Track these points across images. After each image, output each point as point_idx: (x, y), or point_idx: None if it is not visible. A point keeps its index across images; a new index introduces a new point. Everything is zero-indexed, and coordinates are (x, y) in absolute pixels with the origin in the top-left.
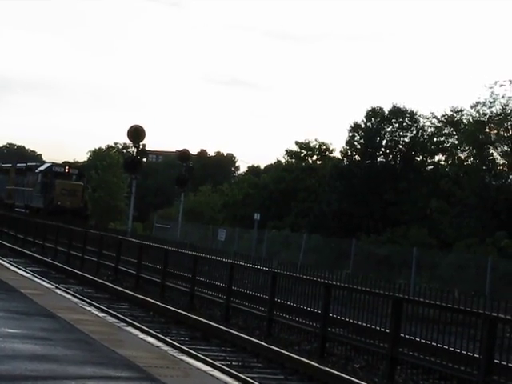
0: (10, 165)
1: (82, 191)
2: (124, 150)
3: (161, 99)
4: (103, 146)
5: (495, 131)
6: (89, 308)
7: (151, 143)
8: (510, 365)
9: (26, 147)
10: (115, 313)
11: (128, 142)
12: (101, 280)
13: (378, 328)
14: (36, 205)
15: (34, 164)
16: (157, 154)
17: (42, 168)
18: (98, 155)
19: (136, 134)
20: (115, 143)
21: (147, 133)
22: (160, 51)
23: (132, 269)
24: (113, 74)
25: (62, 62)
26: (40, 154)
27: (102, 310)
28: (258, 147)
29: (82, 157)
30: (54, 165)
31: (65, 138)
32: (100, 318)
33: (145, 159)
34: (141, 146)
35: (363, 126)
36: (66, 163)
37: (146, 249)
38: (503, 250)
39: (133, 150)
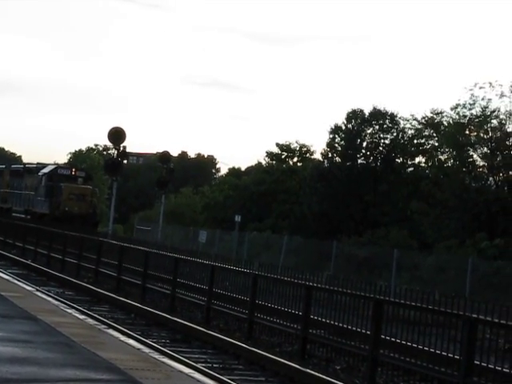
0: (3, 166)
1: (90, 195)
2: (104, 152)
3: (141, 101)
4: (83, 148)
5: (475, 133)
6: (69, 310)
7: (132, 145)
8: (490, 366)
9: (6, 149)
10: (96, 315)
11: (108, 143)
12: (81, 282)
13: (358, 330)
14: (40, 210)
15: (33, 166)
16: (137, 155)
17: (45, 170)
18: (78, 157)
19: (116, 135)
20: (96, 145)
21: (128, 135)
22: (141, 53)
23: (113, 271)
24: (93, 75)
25: (41, 64)
26: (20, 156)
27: (83, 313)
28: (238, 149)
29: (63, 158)
30: (59, 167)
31: (45, 140)
32: (81, 321)
33: (125, 161)
34: (121, 148)
35: (344, 127)
36: (71, 165)
37: (126, 251)
38: (483, 252)
39: (113, 151)
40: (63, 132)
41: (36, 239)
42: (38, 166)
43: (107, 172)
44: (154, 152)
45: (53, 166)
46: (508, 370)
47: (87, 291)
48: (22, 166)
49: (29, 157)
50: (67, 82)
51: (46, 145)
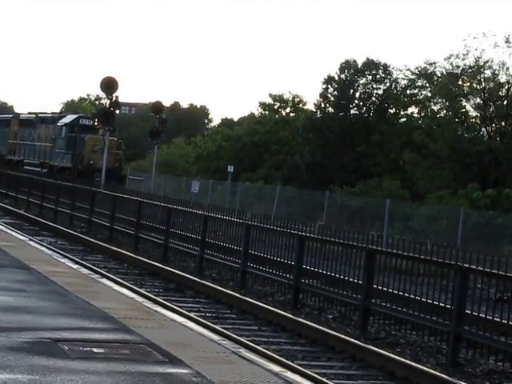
0: (9, 115)
1: (116, 148)
2: (97, 102)
3: (134, 51)
4: (76, 98)
5: (468, 84)
6: (63, 260)
7: (124, 95)
8: (481, 315)
9: None
10: (89, 265)
11: (101, 93)
12: (74, 232)
13: (351, 279)
14: (60, 163)
15: (48, 115)
16: (130, 105)
17: (66, 120)
18: (70, 107)
19: (109, 85)
20: (88, 95)
21: (120, 85)
22: (133, 1)
23: (106, 221)
24: (85, 24)
25: (32, 11)
26: (11, 106)
27: (76, 262)
28: (231, 100)
29: (55, 108)
30: (80, 116)
31: (37, 90)
32: (74, 270)
33: (118, 111)
34: (114, 98)
35: (337, 78)
36: (94, 114)
37: (119, 201)
38: (475, 202)
39: (105, 101)
40: (55, 82)
41: (29, 189)
42: (54, 116)
43: (99, 122)
44: (147, 102)
45: (74, 116)
46: (498, 319)
47: (80, 241)
48: (33, 115)
49: (20, 107)
50: (60, 32)
51: (38, 95)
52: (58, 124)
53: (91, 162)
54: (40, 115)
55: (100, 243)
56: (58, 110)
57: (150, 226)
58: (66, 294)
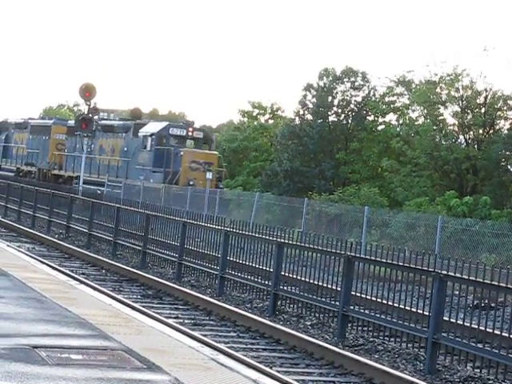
0: (49, 120)
1: (218, 164)
2: (75, 108)
3: (113, 57)
4: (54, 105)
5: (446, 91)
6: (41, 266)
7: (103, 102)
8: (458, 322)
9: None
10: (67, 271)
11: (79, 99)
12: (52, 238)
13: (329, 286)
14: (144, 183)
15: (118, 122)
16: (108, 112)
17: (151, 129)
18: (48, 114)
19: (87, 91)
20: (66, 101)
21: (99, 91)
22: (110, 7)
23: (84, 227)
24: (62, 30)
25: (8, 16)
26: None
27: (54, 269)
28: (210, 107)
29: (33, 115)
30: (170, 125)
31: (15, 97)
32: (52, 277)
33: (96, 117)
34: (92, 104)
35: (316, 85)
36: (187, 123)
37: (97, 207)
38: (452, 209)
39: (84, 107)
40: (34, 89)
41: (6, 195)
42: (126, 124)
43: (78, 128)
44: (125, 109)
45: (161, 124)
46: (476, 326)
47: (58, 247)
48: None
49: None
50: (37, 37)
51: (17, 102)
52: (140, 134)
53: (191, 182)
54: (103, 122)
55: (78, 249)
56: (36, 117)
57: (129, 232)
58: (43, 301)
